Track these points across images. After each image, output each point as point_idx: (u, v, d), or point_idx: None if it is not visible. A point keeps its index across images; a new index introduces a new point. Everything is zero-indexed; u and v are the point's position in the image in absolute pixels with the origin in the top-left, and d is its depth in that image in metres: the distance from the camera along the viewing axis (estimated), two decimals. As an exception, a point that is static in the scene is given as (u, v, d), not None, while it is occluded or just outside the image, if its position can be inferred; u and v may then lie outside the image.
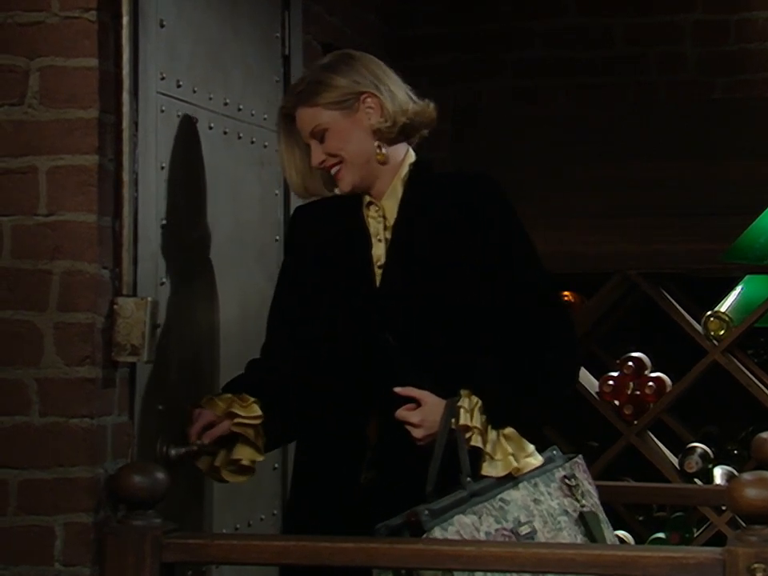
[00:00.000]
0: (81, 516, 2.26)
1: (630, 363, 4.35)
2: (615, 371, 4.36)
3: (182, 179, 2.61)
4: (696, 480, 4.26)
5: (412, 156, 2.50)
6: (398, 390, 2.33)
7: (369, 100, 2.42)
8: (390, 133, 2.43)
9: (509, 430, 2.34)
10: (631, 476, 4.47)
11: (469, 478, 2.30)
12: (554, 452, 2.43)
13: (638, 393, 4.30)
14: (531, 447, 2.37)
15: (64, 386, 2.28)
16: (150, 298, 2.35)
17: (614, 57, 4.25)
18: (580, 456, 2.46)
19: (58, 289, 2.29)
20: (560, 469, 2.41)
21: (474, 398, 2.34)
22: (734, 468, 4.35)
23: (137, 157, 2.40)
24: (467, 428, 2.32)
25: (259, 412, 2.42)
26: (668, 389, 4.31)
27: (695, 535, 4.31)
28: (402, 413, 2.34)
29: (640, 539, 4.43)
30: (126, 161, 2.35)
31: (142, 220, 2.43)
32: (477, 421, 2.32)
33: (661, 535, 4.34)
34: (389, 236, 2.43)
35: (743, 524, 2.17)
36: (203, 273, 2.72)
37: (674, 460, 4.37)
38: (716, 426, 4.68)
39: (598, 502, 2.44)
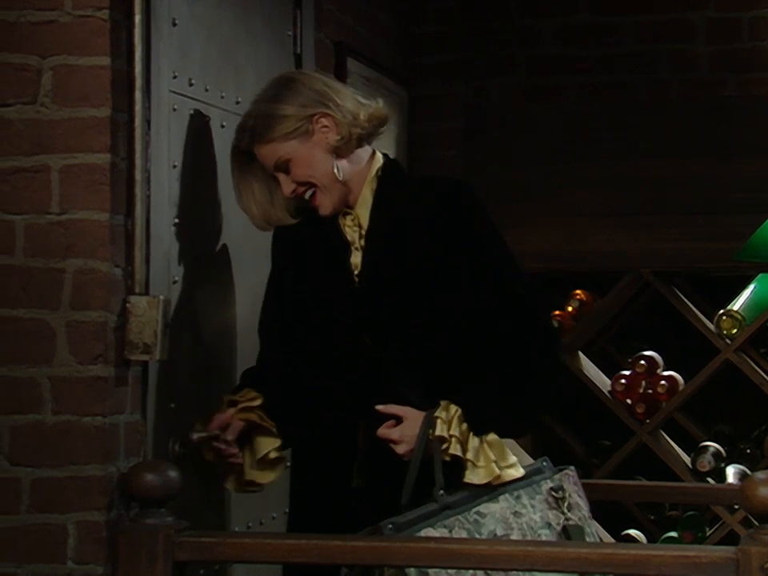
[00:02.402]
0: (93, 514, 2.26)
1: (643, 362, 4.35)
2: (627, 370, 4.36)
3: (195, 177, 2.62)
4: (709, 479, 4.26)
5: (379, 159, 2.48)
6: (379, 408, 2.33)
7: (322, 120, 2.39)
8: (349, 148, 2.41)
9: (492, 437, 2.33)
10: (643, 475, 4.47)
11: (442, 491, 2.28)
12: (544, 463, 2.41)
13: (650, 391, 4.29)
14: (513, 458, 2.35)
15: (77, 385, 2.28)
16: (162, 297, 2.35)
17: (626, 54, 4.24)
18: (572, 468, 2.44)
19: (71, 287, 2.29)
20: (548, 480, 2.38)
21: (453, 407, 2.32)
22: (746, 467, 4.35)
23: (149, 155, 2.40)
24: (443, 439, 2.31)
25: (255, 394, 2.43)
26: (680, 387, 4.31)
27: (708, 534, 4.31)
28: (383, 431, 2.34)
29: (652, 538, 4.42)
30: (139, 159, 2.35)
31: (155, 218, 2.43)
32: (455, 430, 2.31)
33: (673, 534, 4.33)
34: (364, 244, 2.42)
35: (756, 523, 2.16)
36: (215, 271, 2.72)
37: (687, 459, 4.37)
38: (729, 425, 4.67)
39: (588, 515, 2.42)
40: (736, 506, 4.00)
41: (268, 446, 2.45)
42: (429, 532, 2.24)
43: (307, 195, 2.42)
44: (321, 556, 2.18)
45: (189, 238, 2.58)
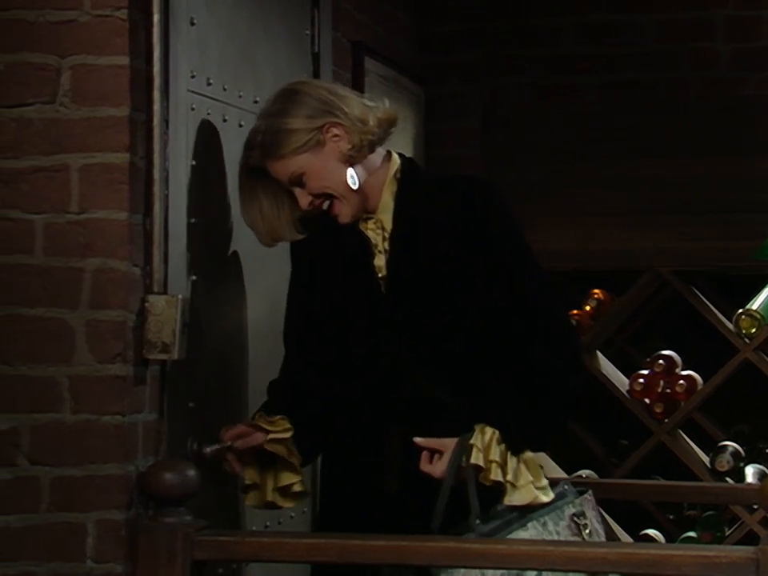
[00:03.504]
0: (113, 513, 2.26)
1: (661, 361, 4.33)
2: (646, 369, 4.34)
3: (212, 177, 2.62)
4: (727, 479, 4.23)
5: (396, 161, 2.44)
6: (418, 441, 2.29)
7: (333, 129, 2.36)
8: (362, 154, 2.37)
9: (527, 455, 2.29)
10: (662, 475, 4.45)
11: (478, 520, 2.25)
12: (566, 487, 2.37)
13: (668, 391, 4.27)
14: (545, 481, 2.31)
15: (96, 384, 2.28)
16: (180, 296, 2.35)
17: (645, 53, 4.23)
18: (590, 492, 2.40)
19: (90, 286, 2.30)
20: (570, 506, 2.34)
21: (489, 430, 2.28)
22: (765, 467, 4.32)
23: (167, 155, 2.40)
24: (479, 467, 2.27)
25: (288, 425, 2.42)
26: (699, 387, 4.29)
27: (726, 534, 4.29)
28: (426, 468, 2.31)
29: (671, 538, 4.40)
30: (157, 159, 2.35)
31: (173, 218, 2.43)
32: (495, 454, 2.27)
33: (692, 534, 4.31)
34: (388, 247, 2.40)
35: (776, 523, 2.15)
36: (233, 270, 2.72)
37: (705, 458, 4.35)
38: (747, 425, 4.65)
39: (604, 540, 2.38)
40: (755, 506, 3.98)
41: (290, 479, 2.43)
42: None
43: (325, 206, 2.40)
44: (340, 555, 2.18)
45: (207, 237, 2.58)
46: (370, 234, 2.42)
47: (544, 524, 2.30)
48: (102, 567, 2.26)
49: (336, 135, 2.37)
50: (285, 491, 2.45)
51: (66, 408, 2.29)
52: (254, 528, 2.75)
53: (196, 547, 2.20)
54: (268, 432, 2.41)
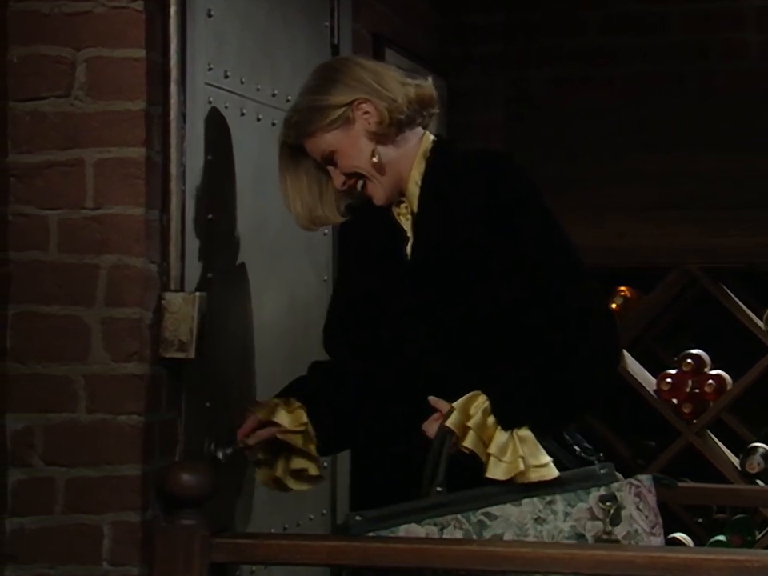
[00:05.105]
0: (129, 515, 2.24)
1: (689, 360, 4.28)
2: (674, 369, 4.29)
3: (230, 171, 2.59)
4: (758, 481, 4.17)
5: (428, 141, 2.39)
6: (430, 399, 2.25)
7: (363, 106, 2.32)
8: (391, 133, 2.33)
9: (524, 432, 2.20)
10: (690, 476, 4.38)
11: (440, 488, 2.18)
12: (602, 470, 2.26)
13: (697, 391, 4.22)
14: (547, 459, 2.21)
15: (111, 383, 2.26)
16: (197, 293, 2.32)
17: (673, 44, 4.17)
18: (643, 478, 2.27)
19: (106, 283, 2.28)
20: (600, 488, 2.24)
21: (482, 398, 2.22)
22: (797, 468, 4.26)
23: (184, 149, 2.37)
24: (450, 430, 2.20)
25: (304, 419, 2.36)
26: (728, 387, 4.24)
27: (757, 538, 4.23)
28: (424, 427, 2.26)
29: (699, 542, 4.34)
30: (174, 153, 2.33)
31: (190, 213, 2.40)
32: (475, 421, 2.19)
33: (721, 538, 4.25)
34: (412, 231, 2.36)
35: (810, 526, 2.10)
36: (251, 267, 2.69)
37: (735, 460, 4.29)
38: (778, 426, 4.58)
39: (647, 530, 2.24)
40: (786, 509, 3.92)
41: (303, 464, 2.39)
42: (413, 528, 2.17)
43: (359, 186, 2.36)
44: (359, 558, 2.14)
45: (224, 233, 2.55)
46: (401, 219, 2.38)
47: (550, 502, 2.21)
48: (118, 570, 2.25)
49: (366, 112, 2.33)
50: (298, 474, 2.40)
51: (81, 407, 2.27)
52: (272, 530, 2.71)
53: (214, 550, 2.17)
54: (280, 425, 2.36)
